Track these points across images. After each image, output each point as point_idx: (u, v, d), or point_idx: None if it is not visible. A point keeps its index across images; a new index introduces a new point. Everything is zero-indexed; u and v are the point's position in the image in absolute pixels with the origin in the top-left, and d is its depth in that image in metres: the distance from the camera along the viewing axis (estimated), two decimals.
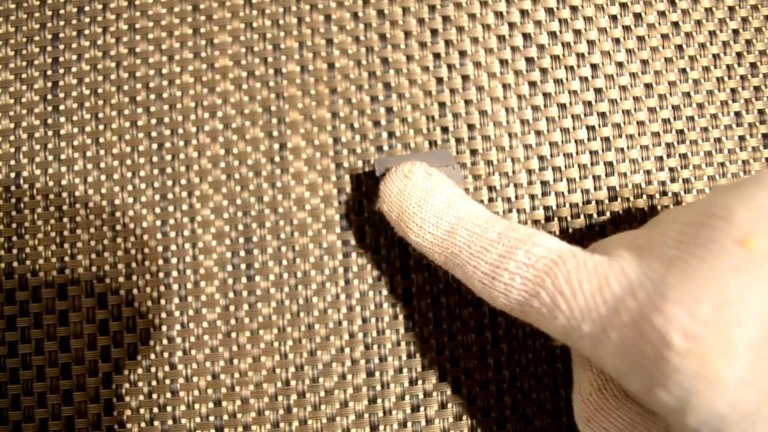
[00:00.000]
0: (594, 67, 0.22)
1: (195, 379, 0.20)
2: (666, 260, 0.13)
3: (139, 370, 0.20)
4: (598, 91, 0.22)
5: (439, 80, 0.21)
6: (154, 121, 0.21)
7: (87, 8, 0.21)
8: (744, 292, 0.12)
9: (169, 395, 0.20)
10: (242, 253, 0.20)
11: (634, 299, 0.13)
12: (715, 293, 0.12)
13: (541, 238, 0.15)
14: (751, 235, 0.12)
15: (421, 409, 0.20)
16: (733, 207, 0.13)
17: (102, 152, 0.21)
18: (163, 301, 0.20)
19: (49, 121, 0.21)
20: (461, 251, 0.16)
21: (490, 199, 0.21)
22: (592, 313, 0.13)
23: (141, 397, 0.20)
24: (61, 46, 0.21)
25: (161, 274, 0.20)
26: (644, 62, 0.22)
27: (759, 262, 0.12)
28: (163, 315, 0.20)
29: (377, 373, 0.20)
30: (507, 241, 0.15)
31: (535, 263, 0.15)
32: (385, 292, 0.20)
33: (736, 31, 0.22)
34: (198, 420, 0.20)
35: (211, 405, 0.20)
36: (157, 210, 0.20)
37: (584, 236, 0.21)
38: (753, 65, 0.22)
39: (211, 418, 0.20)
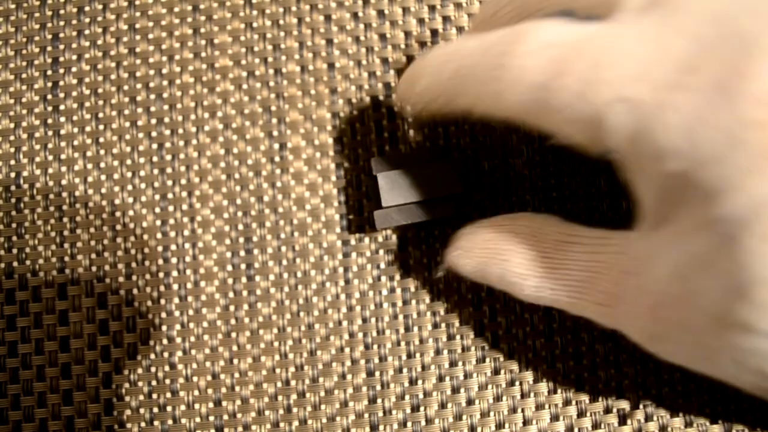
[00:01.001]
0: None
1: (195, 379, 0.20)
2: (758, 19, 0.11)
3: (139, 370, 0.20)
4: None
5: None
6: (154, 121, 0.21)
7: (87, 8, 0.21)
8: None
9: (169, 395, 0.20)
10: (242, 253, 0.20)
11: (713, 59, 0.11)
12: None
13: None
14: None
15: (421, 409, 0.20)
16: None
17: (102, 152, 0.21)
18: (163, 301, 0.20)
19: (49, 121, 0.21)
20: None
21: None
22: (651, 79, 0.11)
23: (141, 397, 0.20)
24: (61, 46, 0.21)
25: (161, 274, 0.20)
26: None
27: None
28: (163, 315, 0.20)
29: (377, 373, 0.20)
30: (513, 34, 0.13)
31: (553, 40, 0.13)
32: (385, 292, 0.20)
33: None
34: (198, 420, 0.20)
35: (211, 405, 0.20)
36: (157, 210, 0.20)
37: None
38: None
39: (211, 418, 0.20)
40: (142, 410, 0.20)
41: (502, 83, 0.13)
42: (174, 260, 0.20)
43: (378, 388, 0.20)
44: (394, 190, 0.18)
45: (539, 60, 0.13)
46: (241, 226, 0.20)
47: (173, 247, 0.20)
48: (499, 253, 0.16)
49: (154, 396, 0.20)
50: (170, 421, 0.20)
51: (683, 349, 0.13)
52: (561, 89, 0.12)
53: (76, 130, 0.21)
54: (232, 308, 0.20)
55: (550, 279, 0.15)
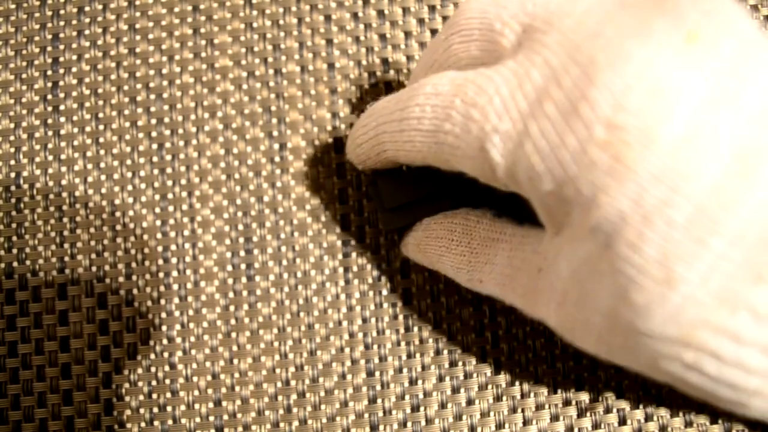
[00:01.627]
0: None
1: (195, 379, 0.20)
2: (600, 41, 0.12)
3: (139, 370, 0.20)
4: None
5: None
6: (154, 121, 0.21)
7: (87, 8, 0.21)
8: (680, 85, 0.11)
9: (169, 395, 0.20)
10: (242, 253, 0.20)
11: (559, 87, 0.12)
12: (649, 81, 0.11)
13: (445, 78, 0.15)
14: (698, 29, 0.12)
15: (421, 409, 0.20)
16: (683, 3, 0.12)
17: (102, 152, 0.21)
18: (163, 301, 0.20)
19: (49, 121, 0.21)
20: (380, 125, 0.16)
21: None
22: (511, 112, 0.13)
23: (141, 397, 0.20)
24: (61, 46, 0.21)
25: (161, 274, 0.20)
26: None
27: (702, 56, 0.11)
28: (163, 315, 0.20)
29: (377, 373, 0.20)
30: (414, 89, 0.15)
31: (441, 90, 0.14)
32: (385, 292, 0.20)
33: None
34: (198, 420, 0.20)
35: (211, 405, 0.20)
36: (157, 210, 0.20)
37: None
38: None
39: (211, 418, 0.20)
40: (142, 410, 0.20)
41: (407, 128, 0.15)
42: (174, 260, 0.20)
43: (378, 388, 0.20)
44: (395, 192, 0.18)
45: (435, 102, 0.14)
46: (241, 226, 0.20)
47: (173, 247, 0.20)
48: (435, 249, 0.18)
49: (154, 396, 0.20)
50: (170, 421, 0.20)
51: (592, 344, 0.14)
52: (450, 131, 0.14)
53: (76, 130, 0.21)
54: (232, 308, 0.20)
55: (480, 272, 0.16)
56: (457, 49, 0.15)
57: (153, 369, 0.20)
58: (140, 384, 0.20)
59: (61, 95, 0.21)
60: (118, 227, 0.20)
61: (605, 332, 0.13)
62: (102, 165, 0.21)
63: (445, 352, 0.20)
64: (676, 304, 0.11)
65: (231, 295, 0.20)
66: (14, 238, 0.20)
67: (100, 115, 0.21)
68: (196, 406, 0.20)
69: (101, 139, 0.21)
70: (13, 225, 0.20)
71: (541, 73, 0.12)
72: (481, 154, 0.13)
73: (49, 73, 0.21)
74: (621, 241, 0.12)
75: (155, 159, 0.21)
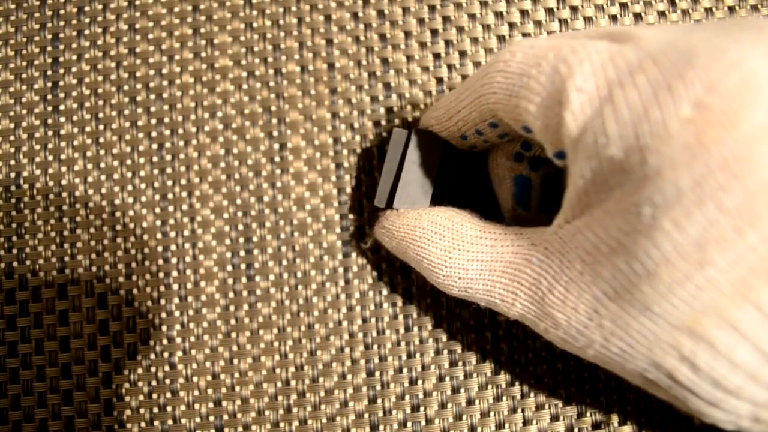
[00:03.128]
0: None
1: (195, 379, 0.20)
2: (694, 38, 0.13)
3: (139, 370, 0.20)
4: None
5: (439, 80, 0.21)
6: (154, 121, 0.21)
7: (87, 8, 0.21)
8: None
9: (169, 395, 0.20)
10: (242, 253, 0.20)
11: (655, 64, 0.12)
12: (743, 70, 0.12)
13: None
14: None
15: (421, 409, 0.20)
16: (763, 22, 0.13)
17: (102, 152, 0.21)
18: (163, 301, 0.20)
19: (49, 121, 0.21)
20: None
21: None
22: (599, 77, 0.13)
23: (141, 397, 0.20)
24: (61, 46, 0.21)
25: (161, 274, 0.20)
26: None
27: None
28: (163, 315, 0.20)
29: (377, 373, 0.20)
30: (509, 42, 0.16)
31: (537, 43, 0.15)
32: (385, 292, 0.20)
33: None
34: (198, 420, 0.20)
35: (211, 405, 0.20)
36: (157, 210, 0.20)
37: None
38: None
39: (211, 418, 0.20)
40: (142, 410, 0.20)
41: (490, 75, 0.15)
42: (174, 260, 0.20)
43: (378, 388, 0.20)
44: (404, 195, 0.18)
45: (523, 53, 0.15)
46: (241, 226, 0.20)
47: (173, 247, 0.20)
48: (417, 239, 0.17)
49: (154, 396, 0.20)
50: (170, 421, 0.20)
51: (573, 340, 0.15)
52: (534, 77, 0.14)
53: (76, 130, 0.21)
54: (232, 308, 0.20)
55: (460, 269, 0.17)
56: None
57: (153, 369, 0.20)
58: (140, 384, 0.20)
59: (61, 95, 0.21)
60: (118, 227, 0.20)
61: (604, 309, 0.14)
62: (102, 165, 0.21)
63: (445, 352, 0.20)
64: (697, 286, 0.12)
65: (231, 295, 0.20)
66: (14, 238, 0.20)
67: (100, 115, 0.21)
68: (196, 406, 0.20)
69: (101, 139, 0.21)
70: (13, 225, 0.20)
71: (636, 53, 0.13)
72: (556, 108, 0.14)
73: (49, 73, 0.21)
74: (667, 218, 0.12)
75: (155, 159, 0.21)
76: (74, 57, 0.21)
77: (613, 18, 0.22)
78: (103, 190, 0.20)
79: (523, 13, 0.22)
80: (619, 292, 0.13)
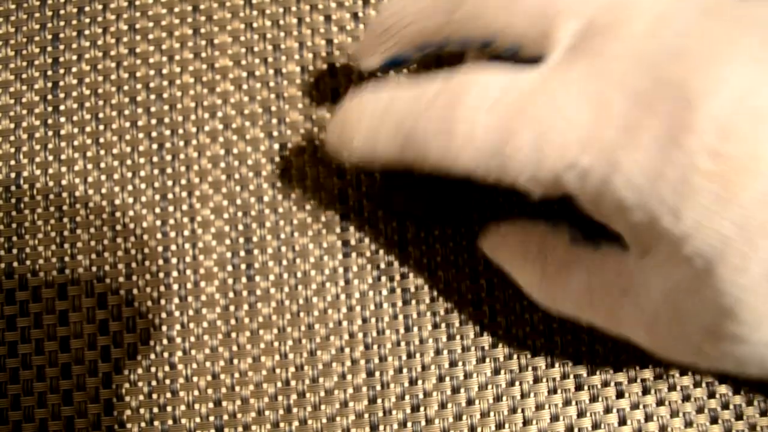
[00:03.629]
0: None
1: (195, 379, 0.20)
2: (686, 62, 0.12)
3: (139, 370, 0.20)
4: None
5: None
6: (154, 121, 0.21)
7: (87, 8, 0.21)
8: None
9: (169, 395, 0.20)
10: (242, 253, 0.20)
11: (653, 115, 0.11)
12: (752, 106, 0.11)
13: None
14: None
15: (421, 409, 0.20)
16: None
17: (102, 152, 0.21)
18: (163, 301, 0.20)
19: (49, 121, 0.21)
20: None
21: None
22: (595, 144, 0.12)
23: (141, 397, 0.20)
24: (61, 47, 0.21)
25: (161, 274, 0.20)
26: None
27: None
28: (163, 315, 0.20)
29: (377, 373, 0.20)
30: (451, 92, 0.13)
31: (496, 108, 0.13)
32: (385, 292, 0.20)
33: None
34: (198, 420, 0.20)
35: (211, 405, 0.20)
36: (157, 210, 0.20)
37: None
38: None
39: (211, 418, 0.20)
40: (142, 410, 0.20)
41: (453, 141, 0.13)
42: (174, 260, 0.20)
43: (378, 388, 0.20)
44: (408, 200, 0.18)
45: (488, 119, 0.13)
46: (241, 226, 0.20)
47: (173, 247, 0.20)
48: (509, 259, 0.17)
49: (154, 396, 0.20)
50: (170, 421, 0.20)
51: (689, 356, 0.14)
52: (513, 155, 0.13)
53: (76, 130, 0.21)
54: (232, 308, 0.20)
55: (554, 294, 0.16)
56: (496, 16, 0.14)
57: (153, 369, 0.20)
58: (140, 384, 0.20)
59: (61, 95, 0.21)
60: (118, 227, 0.20)
61: (705, 345, 0.13)
62: (102, 165, 0.21)
63: (445, 352, 0.20)
64: None
65: (231, 295, 0.20)
66: (14, 238, 0.20)
67: (100, 115, 0.21)
68: (196, 406, 0.20)
69: (101, 139, 0.21)
70: (13, 225, 0.20)
71: (624, 95, 0.12)
72: (555, 184, 0.13)
73: (49, 73, 0.21)
74: (725, 265, 0.11)
75: (155, 159, 0.21)
76: (74, 57, 0.21)
77: None
78: (103, 190, 0.20)
79: None
80: (709, 330, 0.13)
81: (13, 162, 0.20)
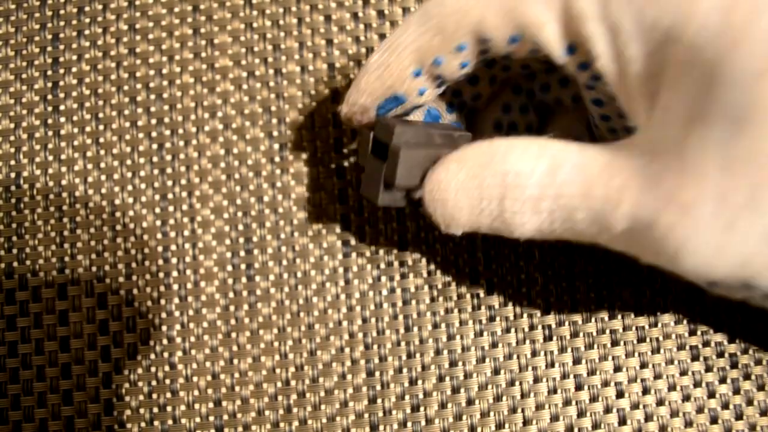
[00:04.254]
0: None
1: (195, 379, 0.20)
2: None
3: (139, 370, 0.20)
4: None
5: None
6: (154, 121, 0.21)
7: (87, 8, 0.21)
8: None
9: (169, 395, 0.20)
10: (242, 253, 0.20)
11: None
12: None
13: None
14: None
15: (421, 409, 0.20)
16: None
17: (102, 152, 0.21)
18: (163, 301, 0.20)
19: (49, 121, 0.21)
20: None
21: None
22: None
23: (141, 397, 0.20)
24: (61, 47, 0.21)
25: (161, 274, 0.20)
26: None
27: None
28: (163, 315, 0.20)
29: (377, 373, 0.20)
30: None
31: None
32: (385, 292, 0.20)
33: None
34: (198, 420, 0.20)
35: (211, 405, 0.20)
36: (157, 210, 0.20)
37: None
38: None
39: (211, 418, 0.20)
40: (142, 410, 0.20)
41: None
42: (174, 260, 0.20)
43: (378, 388, 0.20)
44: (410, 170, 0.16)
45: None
46: (241, 226, 0.20)
47: (173, 247, 0.20)
48: (499, 153, 0.15)
49: (154, 396, 0.20)
50: (170, 421, 0.20)
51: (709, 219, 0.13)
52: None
53: (76, 130, 0.21)
54: (232, 308, 0.20)
55: (553, 174, 0.14)
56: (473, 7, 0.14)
57: (153, 369, 0.20)
58: (140, 384, 0.20)
59: (61, 95, 0.21)
60: (118, 227, 0.20)
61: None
62: (102, 165, 0.21)
63: (445, 351, 0.20)
64: None
65: (231, 295, 0.20)
66: (14, 238, 0.20)
67: (100, 115, 0.21)
68: (196, 406, 0.20)
69: (101, 139, 0.21)
70: (13, 225, 0.20)
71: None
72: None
73: (49, 73, 0.21)
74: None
75: (155, 159, 0.21)
76: (74, 57, 0.21)
77: None
78: (103, 190, 0.20)
79: None
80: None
81: (13, 162, 0.20)
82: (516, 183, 0.14)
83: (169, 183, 0.21)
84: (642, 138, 0.14)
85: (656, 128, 0.13)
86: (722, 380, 0.20)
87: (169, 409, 0.20)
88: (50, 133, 0.21)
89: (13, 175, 0.20)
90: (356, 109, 0.17)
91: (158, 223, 0.20)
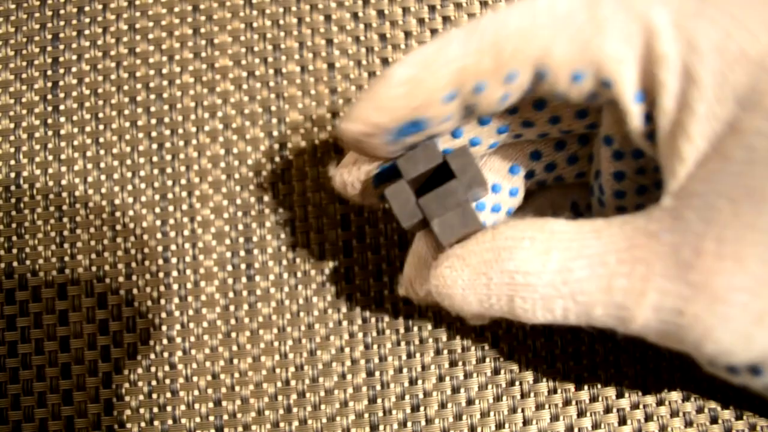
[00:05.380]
0: None
1: (195, 378, 0.20)
2: None
3: (139, 370, 0.20)
4: None
5: None
6: (154, 121, 0.21)
7: (87, 8, 0.21)
8: None
9: (169, 395, 0.20)
10: (242, 253, 0.20)
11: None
12: None
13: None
14: None
15: (421, 409, 0.20)
16: None
17: (102, 152, 0.21)
18: (163, 301, 0.20)
19: (49, 121, 0.21)
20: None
21: None
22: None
23: (141, 397, 0.20)
24: (61, 46, 0.21)
25: (161, 274, 0.20)
26: None
27: None
28: (163, 315, 0.20)
29: (377, 373, 0.20)
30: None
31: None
32: (385, 292, 0.20)
33: None
34: (198, 420, 0.20)
35: (211, 405, 0.20)
36: (157, 210, 0.20)
37: None
38: None
39: (211, 418, 0.20)
40: (142, 410, 0.20)
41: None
42: (174, 260, 0.20)
43: (378, 388, 0.20)
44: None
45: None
46: (241, 226, 0.20)
47: (173, 247, 0.20)
48: (503, 251, 0.14)
49: (154, 396, 0.20)
50: (170, 421, 0.20)
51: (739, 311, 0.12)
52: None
53: (76, 130, 0.21)
54: (232, 308, 0.20)
55: (566, 270, 0.14)
56: (539, 32, 0.12)
57: (153, 369, 0.20)
58: (140, 384, 0.20)
59: (61, 95, 0.21)
60: (118, 227, 0.20)
61: None
62: (102, 165, 0.21)
63: (445, 352, 0.20)
64: None
65: (231, 295, 0.20)
66: (14, 238, 0.20)
67: (100, 115, 0.21)
68: (196, 406, 0.20)
69: (101, 139, 0.21)
70: (13, 225, 0.20)
71: None
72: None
73: (49, 73, 0.21)
74: None
75: (155, 159, 0.21)
76: (74, 57, 0.21)
77: None
78: (103, 190, 0.20)
79: None
80: None
81: (13, 162, 0.20)
82: (525, 283, 0.13)
83: (169, 183, 0.21)
84: (670, 213, 0.12)
85: (694, 200, 0.12)
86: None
87: (169, 409, 0.20)
88: (50, 133, 0.21)
89: (13, 175, 0.20)
90: (368, 129, 0.13)
91: (158, 223, 0.20)
